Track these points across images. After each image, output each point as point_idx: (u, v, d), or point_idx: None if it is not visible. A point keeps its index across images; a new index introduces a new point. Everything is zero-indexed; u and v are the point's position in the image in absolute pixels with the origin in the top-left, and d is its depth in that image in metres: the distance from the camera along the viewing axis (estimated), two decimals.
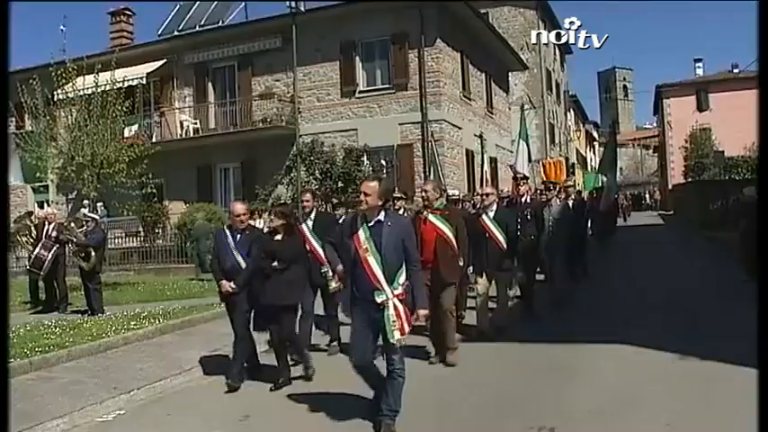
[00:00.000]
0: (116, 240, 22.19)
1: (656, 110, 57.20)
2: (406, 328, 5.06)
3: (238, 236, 7.16)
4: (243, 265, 7.04)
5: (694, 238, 22.95)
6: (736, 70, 47.29)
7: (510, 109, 32.36)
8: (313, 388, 6.67)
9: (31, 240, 13.62)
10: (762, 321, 4.05)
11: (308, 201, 8.31)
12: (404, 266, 5.20)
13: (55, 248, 12.92)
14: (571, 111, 52.38)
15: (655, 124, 73.89)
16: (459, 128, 22.89)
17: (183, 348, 9.12)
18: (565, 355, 7.60)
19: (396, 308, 5.04)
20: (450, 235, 7.27)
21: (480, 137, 19.00)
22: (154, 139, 23.01)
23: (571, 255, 11.94)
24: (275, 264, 6.71)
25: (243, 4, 25.40)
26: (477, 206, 12.08)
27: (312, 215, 8.20)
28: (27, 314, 12.52)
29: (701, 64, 54.10)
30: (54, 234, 12.98)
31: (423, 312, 5.26)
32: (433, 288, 6.90)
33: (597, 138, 74.81)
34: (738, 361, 6.17)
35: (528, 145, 19.94)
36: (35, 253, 12.98)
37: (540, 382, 6.62)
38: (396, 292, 5.09)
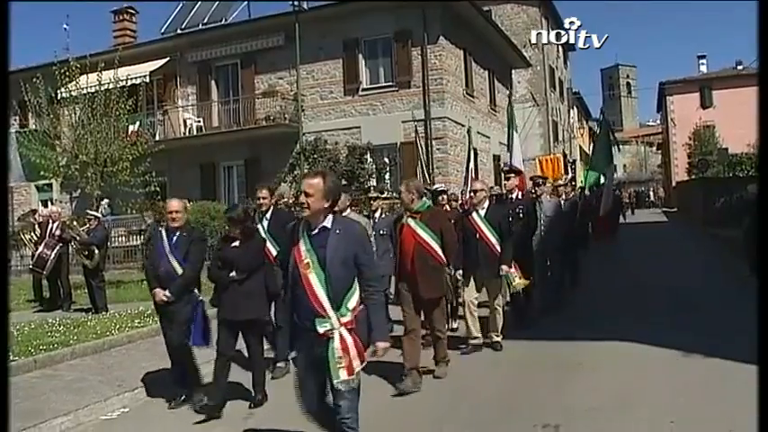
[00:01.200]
0: (120, 238, 22.21)
1: (659, 107, 57.11)
2: (356, 366, 4.01)
3: (174, 237, 6.30)
4: (178, 270, 6.18)
5: (698, 236, 22.91)
6: (740, 67, 47.24)
7: (513, 107, 32.31)
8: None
9: (35, 239, 13.65)
10: (762, 320, 4.04)
11: (264, 198, 7.49)
12: (356, 286, 4.13)
13: (58, 247, 12.92)
14: (574, 108, 52.27)
15: (658, 121, 73.84)
16: (463, 125, 22.83)
17: None
18: (568, 352, 7.59)
19: (342, 340, 4.00)
20: (432, 242, 6.52)
21: (468, 130, 17.66)
22: (157, 138, 23.03)
23: (564, 259, 10.94)
24: (233, 274, 5.98)
25: (246, 2, 25.44)
26: (466, 204, 11.64)
27: (268, 214, 7.42)
28: (31, 312, 12.55)
29: (704, 61, 54.01)
30: (57, 233, 12.99)
31: (381, 345, 4.17)
32: (414, 304, 6.55)
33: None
34: (742, 358, 6.16)
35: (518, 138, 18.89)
36: (38, 251, 12.99)
37: (544, 379, 6.62)
38: (343, 320, 4.03)
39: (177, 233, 6.30)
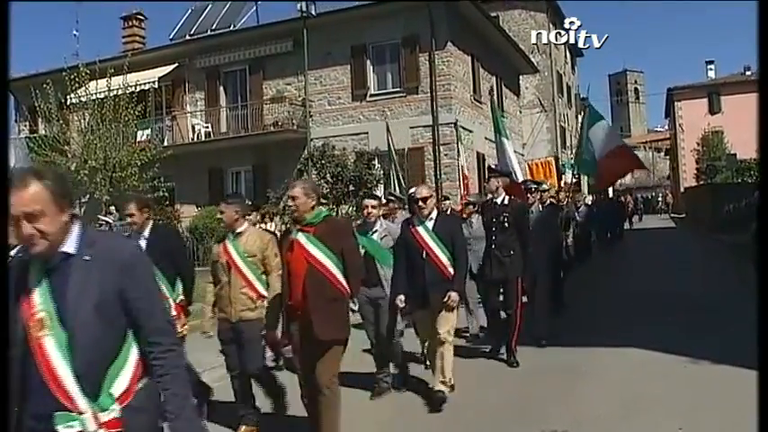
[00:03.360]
0: None
1: (667, 112, 57.01)
2: None
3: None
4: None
5: (706, 241, 22.82)
6: (748, 73, 47.10)
7: (521, 112, 32.32)
8: None
9: None
10: (762, 321, 4.03)
11: (132, 214, 5.67)
12: (129, 356, 2.43)
13: None
14: (582, 114, 52.26)
15: (666, 127, 73.61)
16: (470, 131, 22.87)
17: (195, 350, 9.14)
18: (575, 358, 7.57)
19: None
20: (330, 264, 4.76)
21: (455, 124, 16.80)
22: (165, 143, 23.12)
23: (555, 276, 9.91)
24: None
25: (254, 7, 25.53)
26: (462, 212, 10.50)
27: (146, 232, 5.67)
28: None
29: (712, 66, 53.93)
30: None
31: None
32: (305, 347, 4.84)
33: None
34: (750, 365, 6.13)
35: (510, 141, 16.35)
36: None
37: (550, 386, 6.61)
38: (104, 417, 2.33)
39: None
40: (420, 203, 6.19)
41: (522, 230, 7.54)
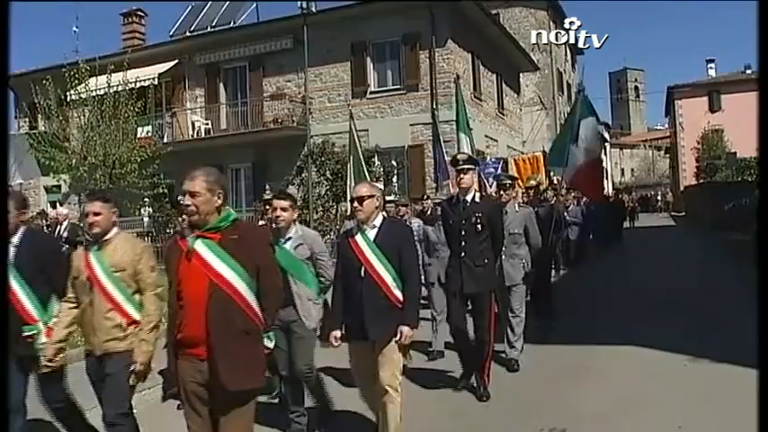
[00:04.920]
0: None
1: (667, 111, 56.95)
2: None
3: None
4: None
5: (706, 240, 22.82)
6: (748, 71, 47.00)
7: (521, 110, 32.31)
8: None
9: None
10: (762, 320, 4.03)
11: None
12: None
13: (66, 249, 12.92)
14: (575, 101, 52.20)
15: (666, 125, 73.65)
16: (470, 129, 22.83)
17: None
18: (575, 357, 7.58)
19: None
20: (241, 284, 3.51)
21: (433, 114, 15.78)
22: (165, 140, 23.13)
23: (538, 287, 8.95)
24: None
25: (254, 4, 25.58)
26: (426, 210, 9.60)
27: (16, 239, 4.59)
28: None
29: (713, 65, 53.89)
30: (65, 234, 13.03)
31: None
32: (203, 399, 3.56)
33: (608, 138, 74.58)
34: (750, 363, 6.14)
35: (470, 138, 14.63)
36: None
37: (551, 383, 6.61)
38: None
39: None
40: (356, 205, 4.76)
41: (497, 234, 6.32)
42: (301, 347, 5.21)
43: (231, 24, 24.86)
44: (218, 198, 3.62)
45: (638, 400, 5.87)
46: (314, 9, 22.45)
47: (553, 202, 11.14)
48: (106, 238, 4.38)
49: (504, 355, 7.20)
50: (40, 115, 19.29)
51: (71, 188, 22.22)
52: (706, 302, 10.54)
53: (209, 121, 24.60)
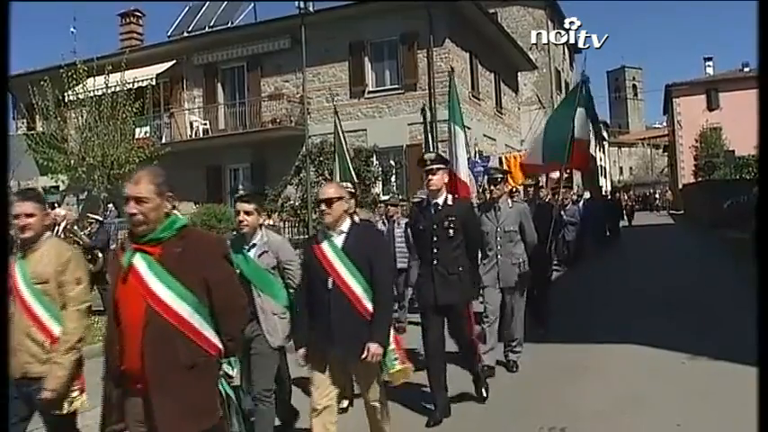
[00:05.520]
0: None
1: (665, 109, 56.98)
2: None
3: None
4: None
5: (705, 238, 22.84)
6: (746, 69, 47.06)
7: (519, 109, 32.32)
8: None
9: None
10: (762, 321, 4.03)
11: None
12: None
13: None
14: (578, 90, 52.19)
15: (664, 123, 73.69)
16: (469, 128, 22.80)
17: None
18: (574, 355, 7.58)
19: None
20: (183, 307, 2.96)
21: (423, 110, 14.96)
22: (163, 140, 23.13)
23: (533, 292, 8.31)
24: None
25: (252, 4, 25.57)
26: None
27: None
28: None
29: (711, 63, 53.96)
30: (63, 235, 13.00)
31: None
32: None
33: (607, 137, 74.64)
34: (749, 361, 6.15)
35: (465, 133, 11.48)
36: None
37: (549, 382, 6.61)
38: None
39: None
40: (324, 208, 4.28)
41: (473, 239, 5.80)
42: (261, 367, 4.66)
43: (229, 24, 24.86)
44: (166, 202, 3.06)
45: (637, 398, 5.87)
46: (312, 9, 22.46)
47: (548, 199, 10.90)
48: (35, 244, 3.82)
49: (503, 359, 7.05)
50: (37, 116, 19.31)
51: (67, 189, 22.27)
52: (704, 300, 10.55)
53: (208, 122, 24.60)
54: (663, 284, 12.64)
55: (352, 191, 6.28)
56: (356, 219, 5.53)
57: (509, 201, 7.15)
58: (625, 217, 32.23)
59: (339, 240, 4.30)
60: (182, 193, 19.12)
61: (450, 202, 5.68)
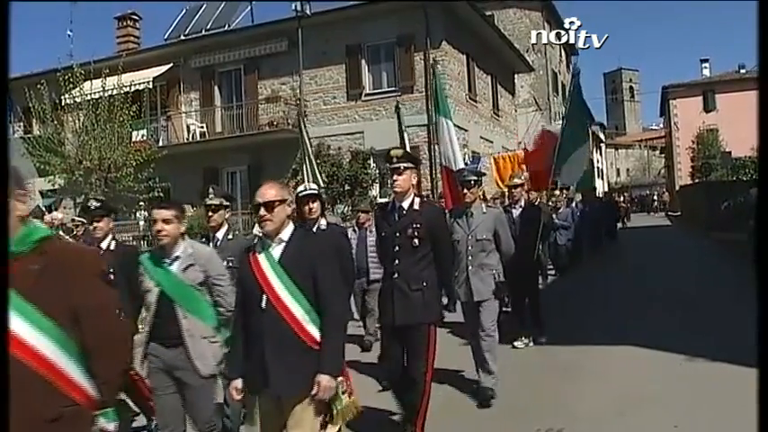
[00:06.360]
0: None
1: (662, 111, 57.04)
2: None
3: None
4: None
5: (702, 239, 22.87)
6: (743, 71, 47.18)
7: (516, 111, 32.36)
8: None
9: None
10: (762, 321, 4.04)
11: None
12: None
13: None
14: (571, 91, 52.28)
15: (661, 125, 73.78)
16: (466, 130, 22.87)
17: None
18: (572, 356, 7.58)
19: None
20: (44, 342, 2.33)
21: (396, 107, 14.18)
22: (161, 143, 23.11)
23: (522, 297, 8.31)
24: None
25: (249, 7, 25.55)
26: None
27: None
28: None
29: (707, 64, 54.03)
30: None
31: None
32: None
33: (604, 139, 74.70)
34: (747, 362, 6.15)
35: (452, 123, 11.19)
36: None
37: (547, 383, 6.62)
38: None
39: None
40: (264, 213, 3.53)
41: (442, 250, 5.03)
42: (196, 402, 4.06)
43: (226, 27, 24.83)
44: (24, 204, 2.44)
45: (635, 399, 5.87)
46: (308, 12, 22.51)
47: (536, 202, 10.58)
48: None
49: (476, 386, 6.23)
50: (34, 119, 19.31)
51: (60, 191, 22.25)
52: (702, 301, 10.56)
53: (205, 125, 24.57)
54: (659, 285, 12.65)
55: (321, 194, 5.85)
56: (323, 222, 5.45)
57: (483, 206, 6.42)
58: (621, 219, 32.11)
59: (277, 251, 3.56)
60: (178, 197, 19.16)
61: (416, 207, 4.94)
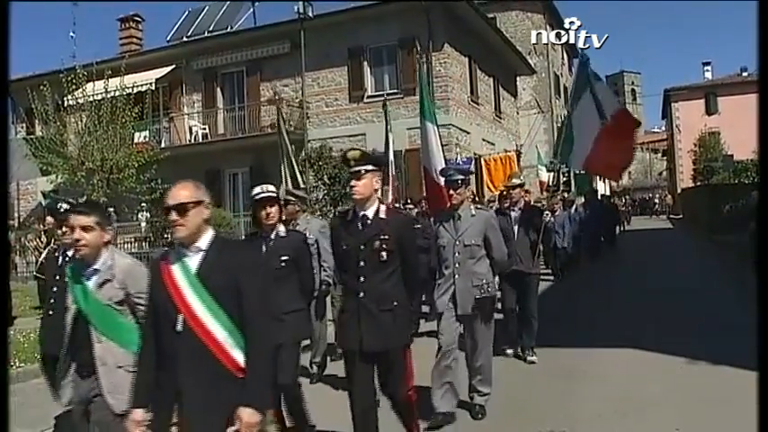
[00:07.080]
0: (125, 246, 22.29)
1: (664, 114, 57.02)
2: None
3: None
4: None
5: (704, 242, 22.85)
6: (744, 74, 47.17)
7: (518, 114, 32.36)
8: None
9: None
10: (762, 321, 4.04)
11: None
12: None
13: None
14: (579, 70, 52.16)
15: (663, 128, 73.71)
16: (468, 132, 22.89)
17: None
18: (574, 360, 7.58)
19: None
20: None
21: (384, 106, 13.76)
22: (163, 145, 23.13)
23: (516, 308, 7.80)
24: None
25: (251, 9, 25.58)
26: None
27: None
28: (36, 319, 12.54)
29: (709, 67, 53.96)
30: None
31: None
32: None
33: None
34: (748, 365, 6.15)
35: (437, 126, 10.67)
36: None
37: (550, 385, 6.61)
38: None
39: None
40: (175, 217, 3.01)
41: (412, 264, 4.39)
42: None
43: (228, 29, 24.85)
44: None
45: (636, 402, 5.87)
46: (311, 14, 22.54)
47: (536, 203, 10.34)
48: None
49: (468, 401, 5.84)
50: (37, 120, 19.35)
51: (62, 192, 22.31)
52: (703, 305, 10.56)
53: (207, 126, 24.58)
54: (661, 288, 12.64)
55: (304, 196, 5.45)
56: (281, 229, 4.99)
57: (472, 208, 5.73)
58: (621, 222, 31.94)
59: (194, 262, 3.03)
60: None
61: (382, 215, 4.28)
